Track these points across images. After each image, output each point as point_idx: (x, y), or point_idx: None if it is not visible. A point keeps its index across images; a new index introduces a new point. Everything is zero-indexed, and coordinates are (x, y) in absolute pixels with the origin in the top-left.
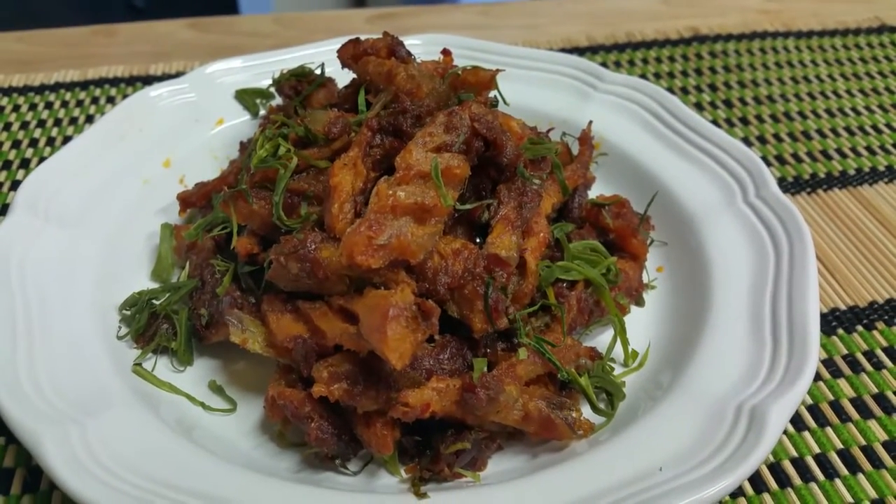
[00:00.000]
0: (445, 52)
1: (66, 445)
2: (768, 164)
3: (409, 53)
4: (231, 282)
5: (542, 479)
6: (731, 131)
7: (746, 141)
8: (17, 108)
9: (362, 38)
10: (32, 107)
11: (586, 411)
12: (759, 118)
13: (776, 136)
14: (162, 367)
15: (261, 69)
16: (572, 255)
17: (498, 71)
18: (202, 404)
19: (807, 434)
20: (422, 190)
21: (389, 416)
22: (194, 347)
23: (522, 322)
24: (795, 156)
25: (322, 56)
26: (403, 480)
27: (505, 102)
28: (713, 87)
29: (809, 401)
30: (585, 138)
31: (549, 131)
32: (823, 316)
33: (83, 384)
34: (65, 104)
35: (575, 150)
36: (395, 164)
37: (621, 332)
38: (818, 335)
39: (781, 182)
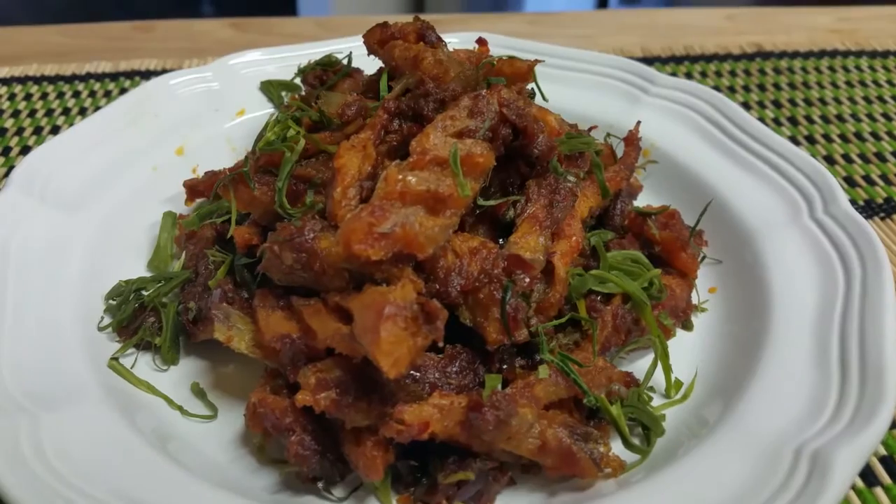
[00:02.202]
0: (481, 42)
1: (11, 438)
2: None
3: (439, 38)
4: (227, 274)
5: None
6: None
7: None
8: (44, 95)
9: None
10: (60, 95)
11: (617, 446)
12: (826, 137)
13: (846, 157)
14: (144, 364)
15: (287, 61)
16: (610, 265)
17: (536, 62)
18: (180, 408)
19: (879, 490)
20: (437, 177)
21: (382, 434)
22: (182, 345)
23: (546, 336)
24: (867, 178)
25: (351, 49)
26: None
27: (543, 98)
28: (777, 104)
29: (883, 451)
30: (632, 139)
31: (590, 129)
32: None
33: (49, 374)
34: (92, 94)
35: (620, 152)
36: (409, 149)
37: (663, 356)
38: None
39: (851, 205)
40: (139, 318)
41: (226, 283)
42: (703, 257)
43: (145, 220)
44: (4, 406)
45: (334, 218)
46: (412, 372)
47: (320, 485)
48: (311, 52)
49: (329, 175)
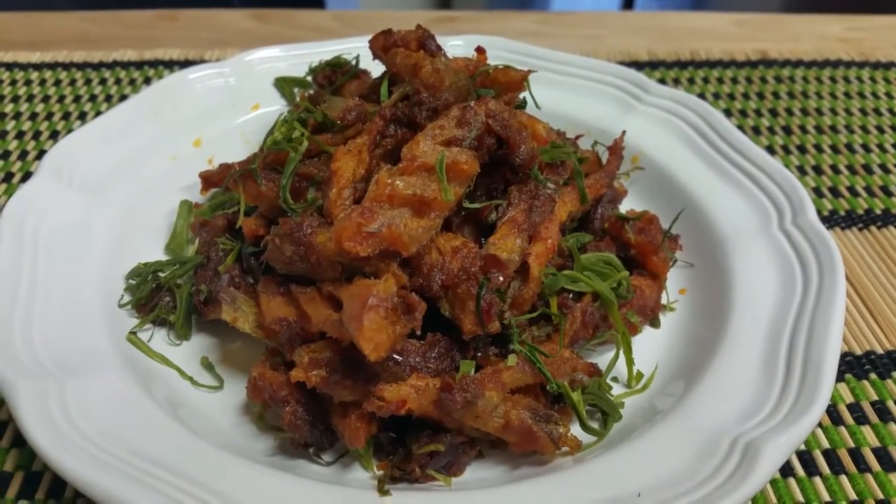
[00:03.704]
0: (479, 50)
1: (40, 398)
2: (821, 195)
3: (438, 48)
4: (235, 261)
5: (509, 491)
6: (786, 158)
7: (801, 169)
8: (73, 82)
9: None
10: (87, 82)
11: (578, 428)
12: (817, 147)
13: (833, 168)
14: (159, 339)
15: (301, 59)
16: (583, 266)
17: (530, 72)
18: (191, 379)
19: (818, 480)
20: (423, 182)
21: (365, 408)
22: (194, 323)
23: (519, 329)
24: (851, 189)
25: (362, 49)
26: (375, 476)
27: (536, 105)
28: (774, 113)
29: (826, 445)
30: (616, 148)
31: (577, 138)
32: (857, 358)
33: (74, 345)
34: (118, 81)
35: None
36: (400, 154)
37: (626, 350)
38: (833, 374)
39: (833, 215)
40: (156, 297)
41: (234, 269)
42: (675, 261)
43: (164, 207)
44: (35, 371)
45: (330, 216)
46: (395, 356)
47: (311, 450)
48: (324, 49)
49: (329, 173)
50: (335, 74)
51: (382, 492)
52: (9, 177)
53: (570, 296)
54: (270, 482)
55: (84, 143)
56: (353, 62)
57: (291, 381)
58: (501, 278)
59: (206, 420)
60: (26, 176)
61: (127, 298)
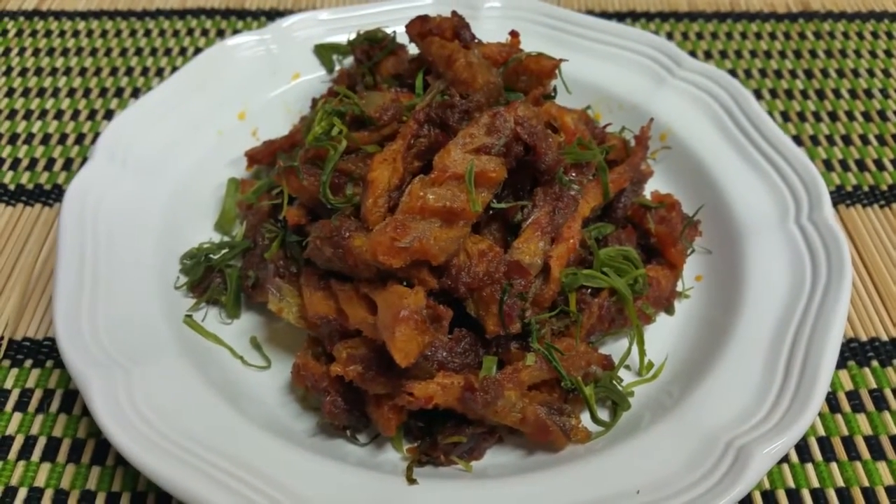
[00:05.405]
0: (513, 34)
1: (110, 389)
2: (846, 168)
3: (473, 37)
4: (279, 248)
5: (515, 484)
6: (816, 126)
7: (829, 139)
8: (118, 33)
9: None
10: (132, 33)
11: (589, 417)
12: (849, 115)
13: (862, 138)
14: (212, 317)
15: (340, 24)
16: (601, 262)
17: (561, 61)
18: (241, 358)
19: (809, 466)
20: (453, 193)
21: (396, 401)
22: (243, 301)
23: (539, 325)
24: (878, 162)
25: (401, 14)
26: (405, 458)
27: (567, 90)
28: (809, 74)
29: (822, 433)
30: (642, 138)
31: (605, 127)
32: (861, 345)
33: (135, 330)
34: (162, 33)
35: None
36: (432, 163)
37: (640, 343)
38: (828, 383)
39: (856, 191)
40: (208, 278)
41: (279, 257)
42: (692, 250)
43: (212, 183)
44: (103, 361)
45: (367, 222)
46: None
47: (348, 432)
48: (362, 13)
49: (366, 171)
50: (373, 49)
51: (410, 480)
52: (63, 138)
53: (589, 291)
54: (315, 468)
55: (134, 122)
56: (391, 35)
57: (331, 374)
58: (523, 283)
59: (256, 401)
60: (80, 137)
61: (182, 280)
